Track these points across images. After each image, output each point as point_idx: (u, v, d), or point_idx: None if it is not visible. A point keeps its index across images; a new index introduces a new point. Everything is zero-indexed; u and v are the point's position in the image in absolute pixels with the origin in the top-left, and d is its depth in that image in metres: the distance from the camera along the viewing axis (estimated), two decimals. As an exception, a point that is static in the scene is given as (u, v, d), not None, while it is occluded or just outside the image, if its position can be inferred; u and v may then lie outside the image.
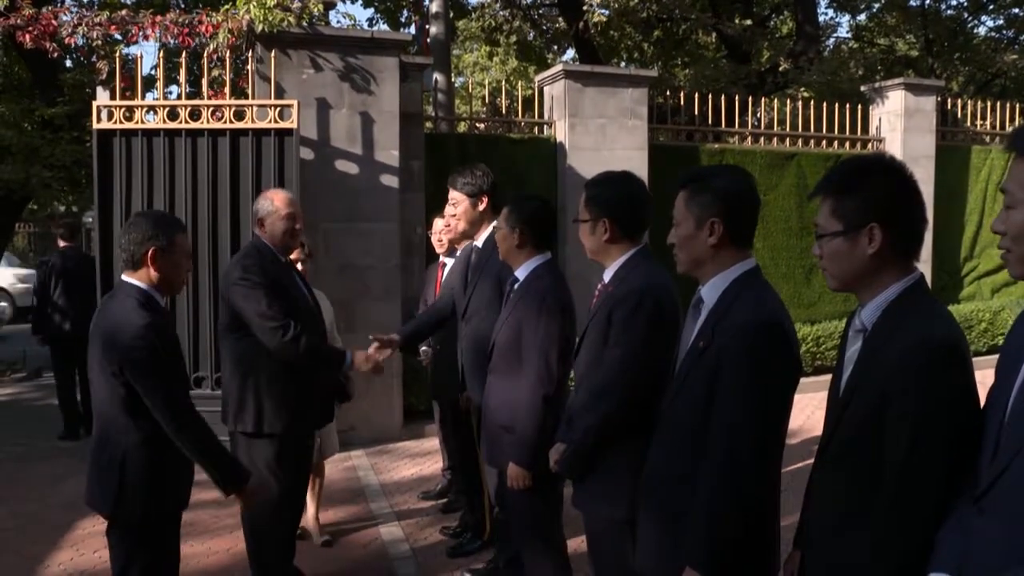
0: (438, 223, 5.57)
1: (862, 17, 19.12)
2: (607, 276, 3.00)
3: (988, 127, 11.68)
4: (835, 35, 19.59)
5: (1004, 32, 17.79)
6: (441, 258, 5.60)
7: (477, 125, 9.66)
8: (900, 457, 1.75)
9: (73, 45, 7.30)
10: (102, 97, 6.87)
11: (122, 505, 2.93)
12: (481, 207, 4.16)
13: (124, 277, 3.02)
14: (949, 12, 17.79)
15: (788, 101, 11.77)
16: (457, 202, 4.22)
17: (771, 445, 2.23)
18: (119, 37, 7.35)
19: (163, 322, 3.04)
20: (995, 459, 1.57)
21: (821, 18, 17.40)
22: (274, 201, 3.85)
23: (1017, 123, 11.51)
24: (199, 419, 3.01)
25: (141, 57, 6.88)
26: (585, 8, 13.55)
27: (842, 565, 1.89)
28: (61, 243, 8.08)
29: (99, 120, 6.57)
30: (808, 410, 7.60)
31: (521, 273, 3.53)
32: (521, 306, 3.44)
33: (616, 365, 2.79)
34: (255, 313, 3.65)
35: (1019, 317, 1.75)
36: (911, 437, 1.73)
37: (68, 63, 12.43)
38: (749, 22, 15.31)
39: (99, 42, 6.98)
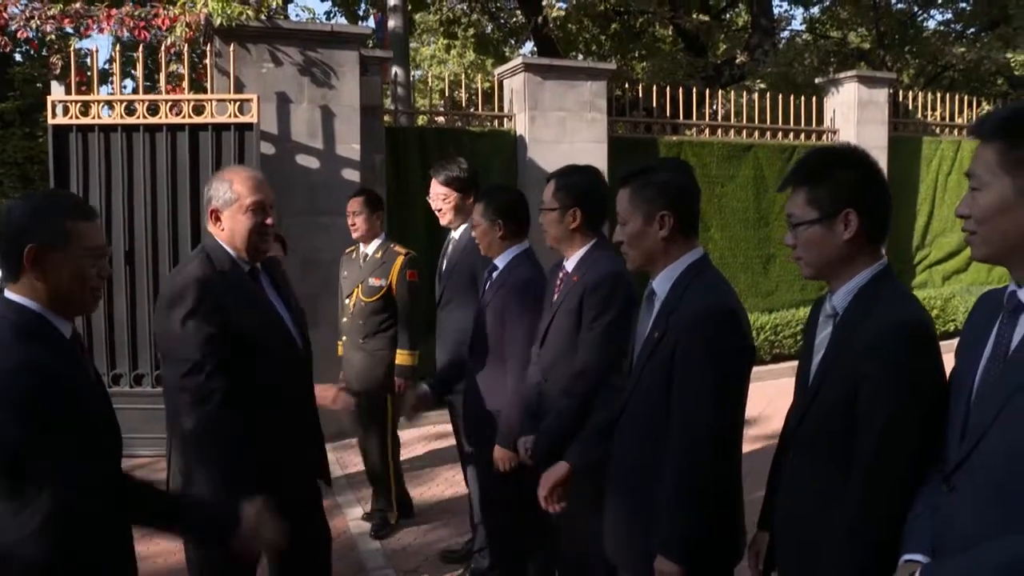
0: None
1: (815, 10, 19.41)
2: (570, 265, 3.07)
3: (938, 118, 11.92)
4: (789, 28, 19.87)
5: (953, 25, 18.15)
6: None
7: (437, 119, 9.67)
8: (873, 439, 1.81)
9: (24, 38, 7.18)
10: (57, 92, 6.77)
11: None
12: (470, 200, 4.19)
13: (5, 293, 2.01)
14: (900, 6, 18.13)
15: (744, 93, 11.94)
16: (446, 196, 4.25)
17: (730, 428, 2.31)
18: (72, 31, 7.24)
19: (58, 358, 1.96)
20: (964, 437, 1.64)
21: (775, 11, 17.63)
22: (234, 185, 2.76)
23: (966, 114, 11.78)
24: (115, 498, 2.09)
25: (96, 51, 6.79)
26: (544, 3, 13.60)
27: (815, 547, 1.93)
28: None
29: (54, 116, 6.48)
30: (767, 397, 7.73)
31: (500, 262, 3.57)
32: (503, 294, 3.47)
33: (596, 345, 2.85)
34: (174, 358, 2.69)
35: (978, 300, 1.83)
36: (884, 419, 1.79)
37: (18, 57, 12.20)
38: (706, 17, 15.47)
39: (52, 36, 6.87)
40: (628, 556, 2.45)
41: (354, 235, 5.00)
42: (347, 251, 5.21)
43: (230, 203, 2.74)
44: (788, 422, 2.15)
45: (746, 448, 2.47)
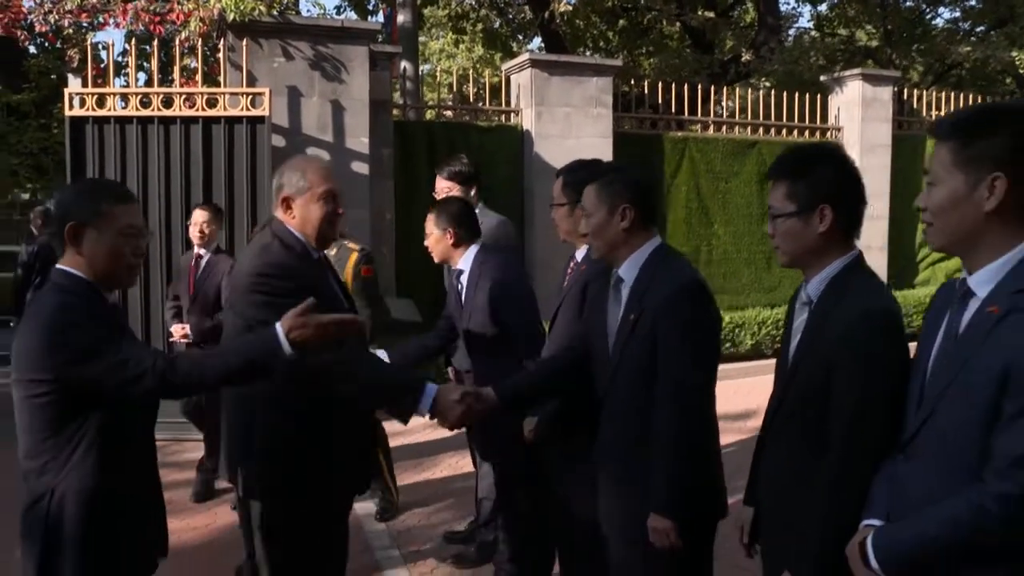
0: (198, 214, 5.37)
1: (823, 7, 19.47)
2: (579, 255, 3.24)
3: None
4: (797, 25, 19.94)
5: (960, 24, 18.20)
6: (196, 250, 5.43)
7: (445, 112, 9.81)
8: (845, 419, 1.95)
9: (43, 32, 7.35)
10: (73, 84, 6.94)
11: (54, 572, 2.20)
12: (472, 193, 4.35)
13: (58, 265, 2.29)
14: (908, 3, 18.17)
15: (750, 91, 12.03)
16: (450, 189, 4.41)
17: (712, 390, 2.54)
18: (87, 25, 7.41)
19: (99, 309, 2.26)
20: (919, 410, 1.78)
21: (783, 7, 17.71)
22: (307, 174, 2.77)
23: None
24: (185, 357, 2.37)
25: (112, 45, 6.95)
26: (551, -1, 13.74)
27: (796, 519, 2.07)
28: (39, 229, 8.25)
29: (71, 108, 6.63)
30: (769, 391, 7.86)
31: (464, 264, 3.73)
32: (487, 290, 3.62)
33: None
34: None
35: (937, 291, 1.97)
36: (854, 400, 1.94)
37: (32, 49, 12.38)
38: (712, 15, 15.56)
39: (70, 31, 7.03)
40: (621, 523, 2.61)
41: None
42: None
43: (303, 191, 2.74)
44: (770, 404, 2.29)
45: (745, 437, 2.64)
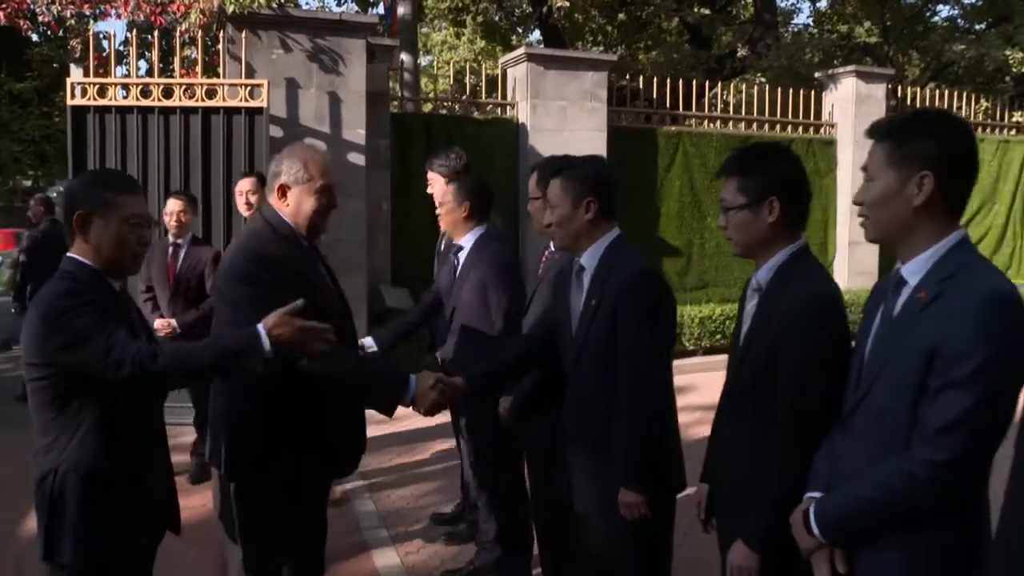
0: (173, 203, 5.46)
1: (823, 3, 19.55)
2: (554, 245, 3.40)
3: (936, 114, 12.10)
4: (795, 20, 20.01)
5: (959, 22, 18.25)
6: (172, 239, 5.51)
7: (444, 104, 9.92)
8: (790, 395, 2.11)
9: (46, 22, 7.48)
10: (76, 74, 7.07)
11: (56, 547, 2.29)
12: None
13: (68, 252, 2.39)
14: (909, 0, 18.23)
15: (744, 87, 12.14)
16: (434, 182, 4.54)
17: (666, 367, 2.74)
18: (89, 15, 7.54)
19: (103, 294, 2.34)
20: (856, 390, 1.94)
21: (783, 3, 17.79)
22: (308, 166, 2.76)
23: (964, 111, 11.96)
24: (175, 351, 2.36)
25: (114, 35, 7.08)
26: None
27: (747, 492, 2.23)
28: (35, 218, 8.33)
29: (73, 97, 6.75)
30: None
31: (466, 242, 3.88)
32: (481, 269, 3.78)
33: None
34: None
35: (876, 285, 2.14)
36: (798, 378, 2.10)
37: (34, 37, 12.50)
38: (708, 12, 15.66)
39: (72, 21, 7.16)
40: (591, 496, 2.77)
41: (246, 214, 5.09)
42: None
43: (301, 181, 2.75)
44: (725, 386, 2.44)
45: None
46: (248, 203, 5.04)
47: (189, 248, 5.48)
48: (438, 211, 4.06)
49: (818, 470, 2.02)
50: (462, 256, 3.90)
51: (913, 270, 1.89)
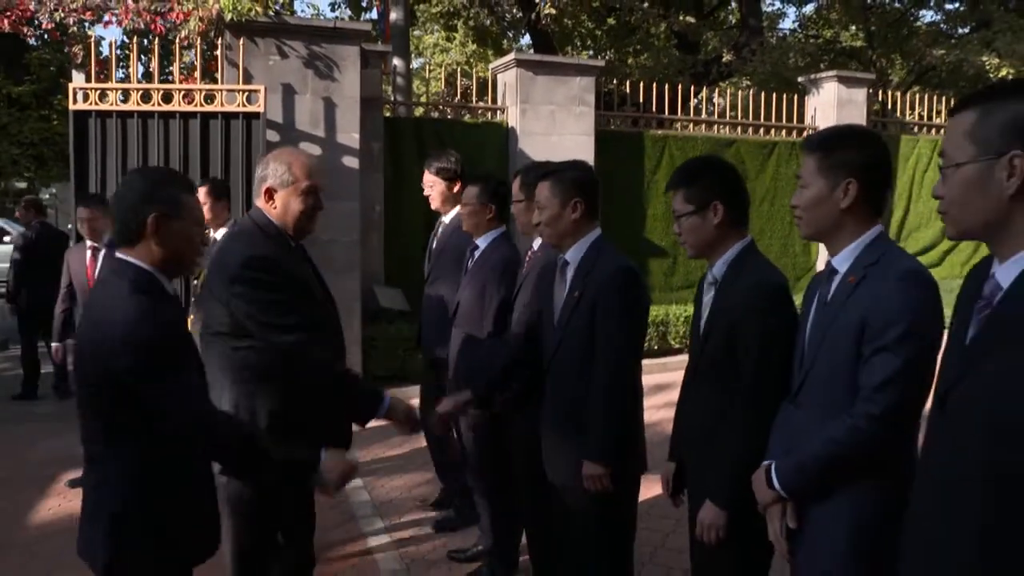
0: (81, 211, 5.72)
1: (809, 8, 19.86)
2: (536, 245, 3.68)
3: (916, 117, 12.41)
4: (781, 25, 20.30)
5: (942, 27, 18.57)
6: (88, 242, 5.75)
7: (437, 107, 10.13)
8: (750, 368, 2.39)
9: (47, 28, 7.67)
10: (77, 79, 7.26)
11: (118, 559, 2.23)
12: (455, 189, 4.69)
13: (118, 255, 2.28)
14: (896, 4, 18.52)
15: (729, 91, 12.39)
16: (433, 183, 4.75)
17: (637, 361, 3.00)
18: (90, 22, 7.73)
19: (169, 310, 2.27)
20: (802, 366, 2.22)
21: (769, 8, 18.06)
22: (293, 168, 2.85)
23: (943, 114, 12.23)
24: (230, 419, 2.46)
25: (115, 43, 7.28)
26: (537, 1, 14.05)
27: (712, 458, 2.48)
28: (22, 219, 8.53)
29: (75, 102, 6.96)
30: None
31: (482, 242, 4.13)
32: (486, 270, 4.02)
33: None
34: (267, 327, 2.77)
35: (812, 279, 2.40)
36: (754, 358, 2.39)
37: (32, 41, 12.67)
38: (692, 20, 15.93)
39: (74, 28, 7.35)
40: (567, 472, 3.01)
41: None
42: None
43: (287, 184, 2.83)
44: (687, 371, 2.72)
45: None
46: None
47: (107, 252, 5.62)
48: (434, 207, 4.34)
49: (775, 441, 2.28)
50: (477, 255, 4.13)
51: (842, 260, 2.18)
